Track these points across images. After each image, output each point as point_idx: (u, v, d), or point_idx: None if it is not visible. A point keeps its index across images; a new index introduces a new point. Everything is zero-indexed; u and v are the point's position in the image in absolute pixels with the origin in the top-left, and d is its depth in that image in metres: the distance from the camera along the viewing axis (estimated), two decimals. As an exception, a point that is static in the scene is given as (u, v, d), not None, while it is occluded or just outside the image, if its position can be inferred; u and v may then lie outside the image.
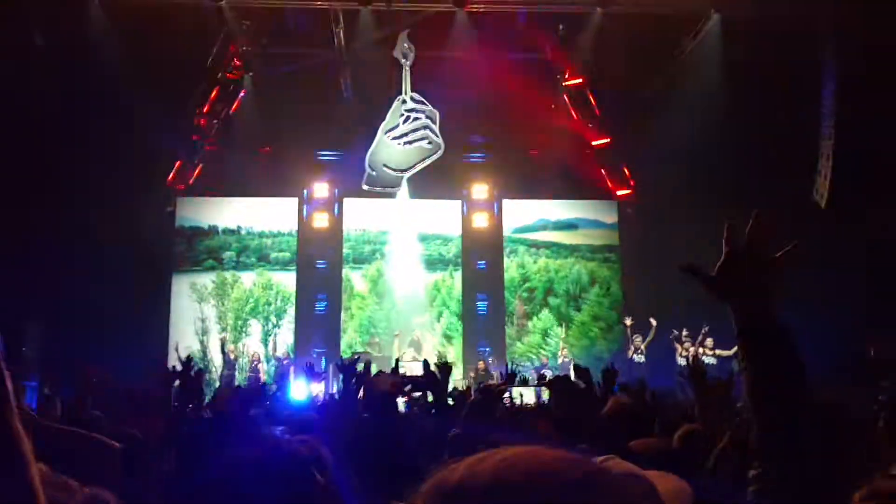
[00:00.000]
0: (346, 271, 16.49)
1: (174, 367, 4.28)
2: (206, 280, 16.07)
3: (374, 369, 4.72)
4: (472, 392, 5.57)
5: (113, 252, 13.31)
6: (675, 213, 14.60)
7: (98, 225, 13.20)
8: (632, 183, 16.59)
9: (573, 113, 16.57)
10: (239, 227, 16.46)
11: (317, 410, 5.85)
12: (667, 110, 14.43)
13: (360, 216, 16.76)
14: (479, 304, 16.54)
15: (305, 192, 16.57)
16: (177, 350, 13.85)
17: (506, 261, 16.81)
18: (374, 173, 16.04)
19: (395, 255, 16.51)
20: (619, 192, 16.70)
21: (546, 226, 17.06)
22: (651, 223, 15.48)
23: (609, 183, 16.77)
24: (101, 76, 13.10)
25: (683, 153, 14.00)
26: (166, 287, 15.69)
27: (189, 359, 4.49)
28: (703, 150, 13.79)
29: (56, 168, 13.05)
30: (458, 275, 16.69)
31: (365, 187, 16.06)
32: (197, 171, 15.94)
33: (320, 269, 16.45)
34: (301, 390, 11.03)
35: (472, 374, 14.34)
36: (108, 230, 13.25)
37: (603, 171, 16.72)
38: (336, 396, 7.72)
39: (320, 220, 16.60)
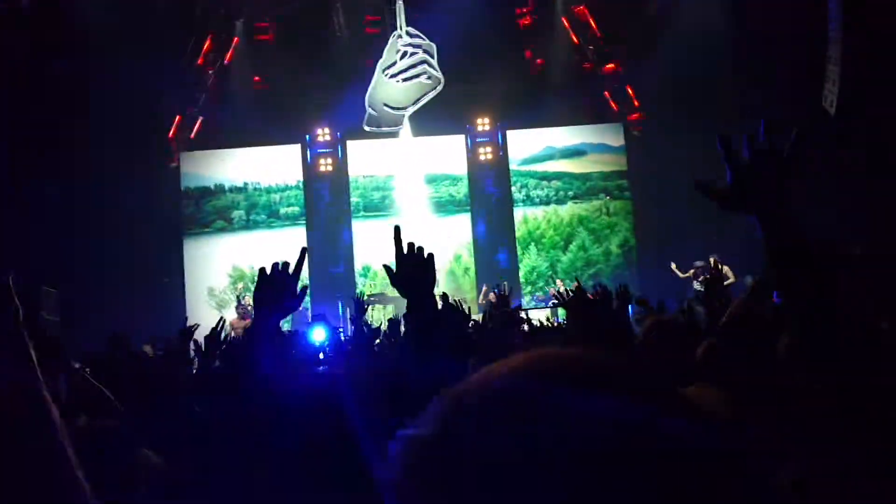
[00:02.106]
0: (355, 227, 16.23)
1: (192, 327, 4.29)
2: (217, 246, 15.88)
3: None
4: (488, 319, 5.62)
5: (122, 215, 13.32)
6: (680, 132, 14.39)
7: (104, 187, 13.18)
8: (636, 104, 16.31)
9: (573, 37, 16.21)
10: (246, 184, 16.21)
11: (332, 348, 6.01)
12: (669, 28, 14.09)
13: (365, 160, 16.50)
14: (495, 255, 16.38)
15: (308, 137, 16.38)
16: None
17: (516, 214, 16.44)
18: (374, 113, 15.87)
19: (403, 201, 16.29)
20: (629, 117, 16.38)
21: (553, 154, 16.71)
22: (659, 144, 15.24)
23: (614, 105, 16.51)
24: (89, 35, 12.87)
25: (686, 68, 13.73)
26: (178, 251, 15.60)
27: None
28: (707, 64, 13.51)
29: (54, 133, 12.97)
30: (468, 218, 16.49)
31: (366, 128, 15.91)
32: (198, 124, 15.81)
33: (329, 223, 16.24)
34: (320, 335, 11.19)
35: (482, 301, 14.39)
36: (115, 192, 13.24)
37: (607, 94, 16.44)
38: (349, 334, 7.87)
39: (325, 166, 16.42)
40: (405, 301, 1.98)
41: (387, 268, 2.08)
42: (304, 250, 2.11)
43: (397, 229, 2.03)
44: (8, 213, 11.81)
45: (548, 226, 16.44)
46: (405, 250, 2.02)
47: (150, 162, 14.86)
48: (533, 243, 16.33)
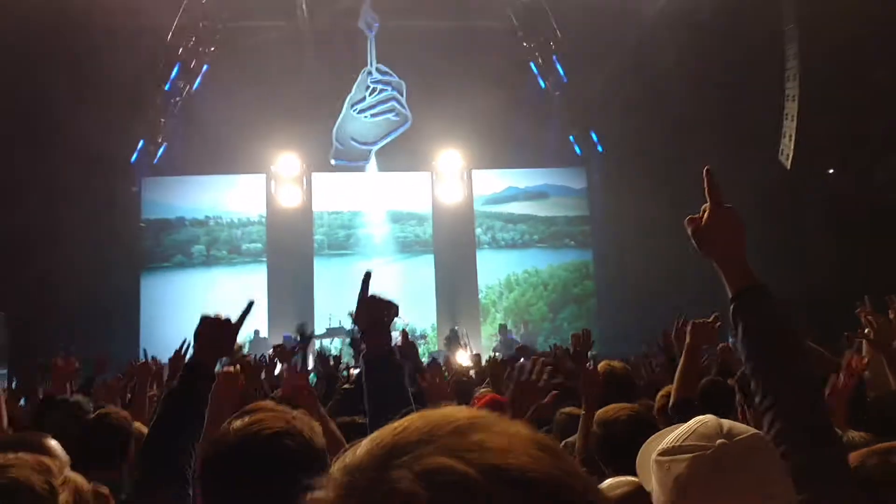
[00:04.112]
0: (318, 265, 15.93)
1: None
2: (176, 283, 15.46)
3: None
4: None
5: (80, 242, 12.96)
6: (643, 172, 14.69)
7: (65, 211, 12.86)
8: (599, 148, 16.62)
9: (540, 79, 16.51)
10: (207, 217, 15.87)
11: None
12: (633, 72, 14.43)
13: (331, 195, 16.33)
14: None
15: (273, 168, 16.13)
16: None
17: (478, 262, 16.41)
18: (341, 147, 15.92)
19: (368, 240, 16.09)
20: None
21: (517, 195, 16.88)
22: (621, 187, 15.44)
23: (578, 148, 16.78)
24: (59, 53, 12.68)
25: (648, 109, 14.09)
26: (134, 286, 15.21)
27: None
28: (667, 107, 13.90)
29: (13, 155, 12.69)
30: (432, 259, 16.38)
31: (333, 161, 15.92)
32: (161, 149, 15.61)
33: (291, 261, 15.84)
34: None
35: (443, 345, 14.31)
36: (75, 216, 12.93)
37: (571, 137, 16.72)
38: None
39: (290, 199, 16.12)
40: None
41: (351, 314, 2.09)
42: (250, 304, 2.10)
43: (368, 274, 2.05)
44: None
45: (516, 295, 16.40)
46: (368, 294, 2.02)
47: (110, 186, 14.56)
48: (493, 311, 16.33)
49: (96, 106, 12.53)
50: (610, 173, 16.29)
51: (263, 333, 14.56)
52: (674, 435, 1.37)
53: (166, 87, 15.32)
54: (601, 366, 3.69)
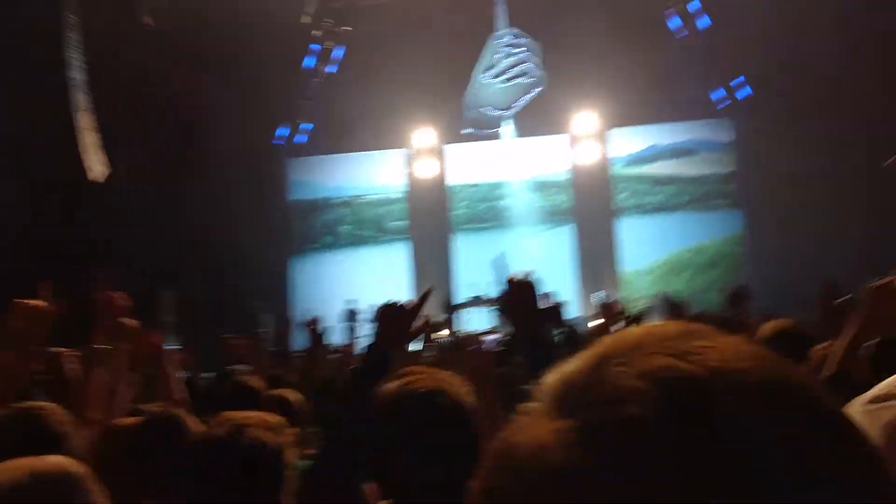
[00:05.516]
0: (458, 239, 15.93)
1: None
2: (324, 262, 15.99)
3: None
4: None
5: (237, 227, 13.61)
6: (791, 115, 13.63)
7: (222, 195, 13.57)
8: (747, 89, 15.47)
9: (685, 27, 15.56)
10: (353, 197, 16.26)
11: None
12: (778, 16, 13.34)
13: (468, 166, 16.19)
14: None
15: (412, 142, 16.14)
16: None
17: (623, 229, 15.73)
18: (474, 116, 15.83)
19: (510, 211, 15.93)
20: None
21: (661, 154, 15.95)
22: (769, 135, 14.34)
23: (726, 96, 15.71)
24: (197, 43, 13.29)
25: (796, 55, 13.02)
26: (286, 270, 15.84)
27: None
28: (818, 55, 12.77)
29: (171, 143, 13.53)
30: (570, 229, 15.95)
31: (466, 131, 15.86)
32: (304, 129, 16.15)
33: (432, 235, 15.97)
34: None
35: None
36: (232, 200, 13.60)
37: (714, 86, 15.70)
38: None
39: (428, 172, 16.15)
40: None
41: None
42: (428, 290, 2.14)
43: (503, 255, 2.20)
44: (123, 216, 12.39)
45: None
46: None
47: (258, 168, 15.22)
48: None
49: (240, 93, 13.14)
50: (758, 124, 15.17)
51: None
52: (882, 385, 1.33)
53: (305, 68, 15.80)
54: (769, 326, 3.40)
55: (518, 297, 2.08)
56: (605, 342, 0.52)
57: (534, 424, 0.48)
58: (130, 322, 2.87)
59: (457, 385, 1.62)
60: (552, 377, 0.51)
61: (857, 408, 1.30)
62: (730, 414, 0.44)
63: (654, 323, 0.56)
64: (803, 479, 0.43)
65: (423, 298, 2.05)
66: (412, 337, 2.08)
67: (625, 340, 0.51)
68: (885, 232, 12.96)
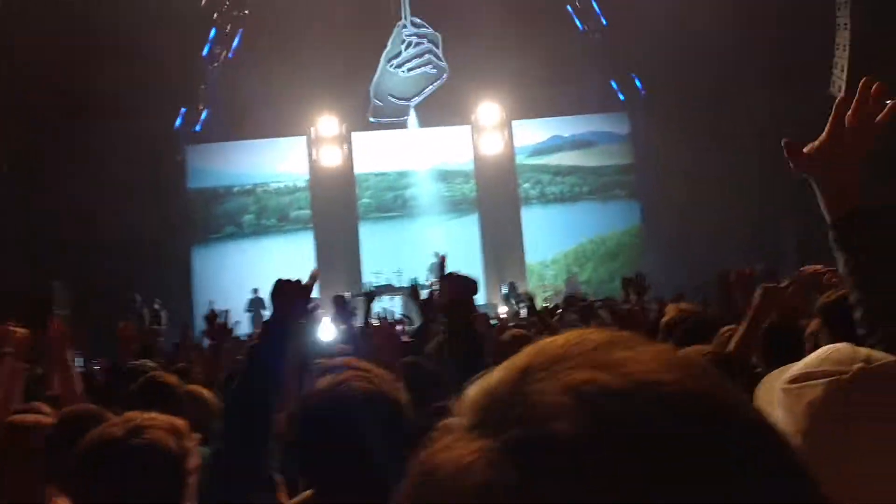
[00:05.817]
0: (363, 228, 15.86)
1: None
2: (228, 251, 15.63)
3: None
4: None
5: (131, 211, 13.12)
6: (685, 110, 14.31)
7: (117, 179, 13.01)
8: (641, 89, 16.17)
9: (578, 23, 16.05)
10: (255, 186, 15.92)
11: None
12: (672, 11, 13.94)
13: (373, 155, 16.14)
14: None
15: (312, 130, 15.98)
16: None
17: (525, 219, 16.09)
18: (379, 104, 15.81)
19: (417, 201, 15.95)
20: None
21: (561, 146, 16.43)
22: (665, 129, 15.02)
23: (620, 92, 16.34)
24: (93, 24, 12.71)
25: (690, 50, 13.65)
26: (187, 257, 15.42)
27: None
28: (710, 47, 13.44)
29: (59, 127, 12.86)
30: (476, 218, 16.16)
31: (372, 119, 15.83)
32: (202, 116, 15.67)
33: (337, 225, 15.79)
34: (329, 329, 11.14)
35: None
36: (126, 185, 13.08)
37: (613, 81, 16.30)
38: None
39: (331, 160, 15.97)
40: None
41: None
42: (315, 273, 2.16)
43: (443, 257, 2.29)
44: (14, 210, 11.77)
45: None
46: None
47: (155, 154, 14.67)
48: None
49: (135, 77, 12.61)
50: (654, 118, 15.84)
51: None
52: (803, 363, 1.25)
53: (203, 54, 15.31)
54: (671, 309, 3.64)
55: (455, 292, 2.20)
56: (528, 352, 0.50)
57: (457, 442, 0.47)
58: (18, 330, 2.79)
59: (389, 381, 1.60)
60: (474, 390, 0.50)
61: (777, 386, 1.25)
62: (656, 428, 0.43)
63: (577, 331, 0.54)
64: (731, 489, 0.43)
65: (312, 280, 2.11)
66: (307, 312, 2.16)
67: (547, 352, 0.49)
68: (774, 224, 13.91)
